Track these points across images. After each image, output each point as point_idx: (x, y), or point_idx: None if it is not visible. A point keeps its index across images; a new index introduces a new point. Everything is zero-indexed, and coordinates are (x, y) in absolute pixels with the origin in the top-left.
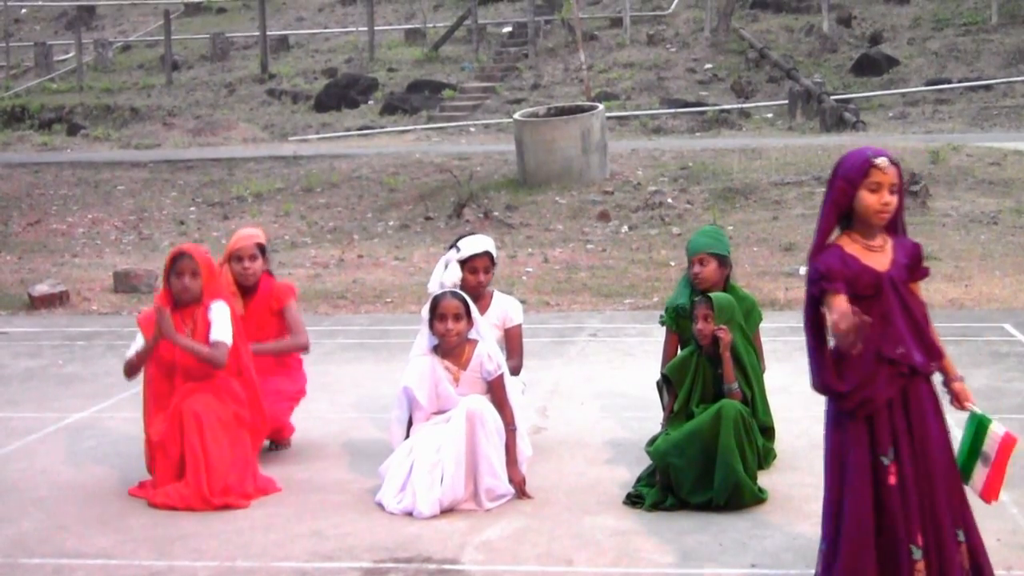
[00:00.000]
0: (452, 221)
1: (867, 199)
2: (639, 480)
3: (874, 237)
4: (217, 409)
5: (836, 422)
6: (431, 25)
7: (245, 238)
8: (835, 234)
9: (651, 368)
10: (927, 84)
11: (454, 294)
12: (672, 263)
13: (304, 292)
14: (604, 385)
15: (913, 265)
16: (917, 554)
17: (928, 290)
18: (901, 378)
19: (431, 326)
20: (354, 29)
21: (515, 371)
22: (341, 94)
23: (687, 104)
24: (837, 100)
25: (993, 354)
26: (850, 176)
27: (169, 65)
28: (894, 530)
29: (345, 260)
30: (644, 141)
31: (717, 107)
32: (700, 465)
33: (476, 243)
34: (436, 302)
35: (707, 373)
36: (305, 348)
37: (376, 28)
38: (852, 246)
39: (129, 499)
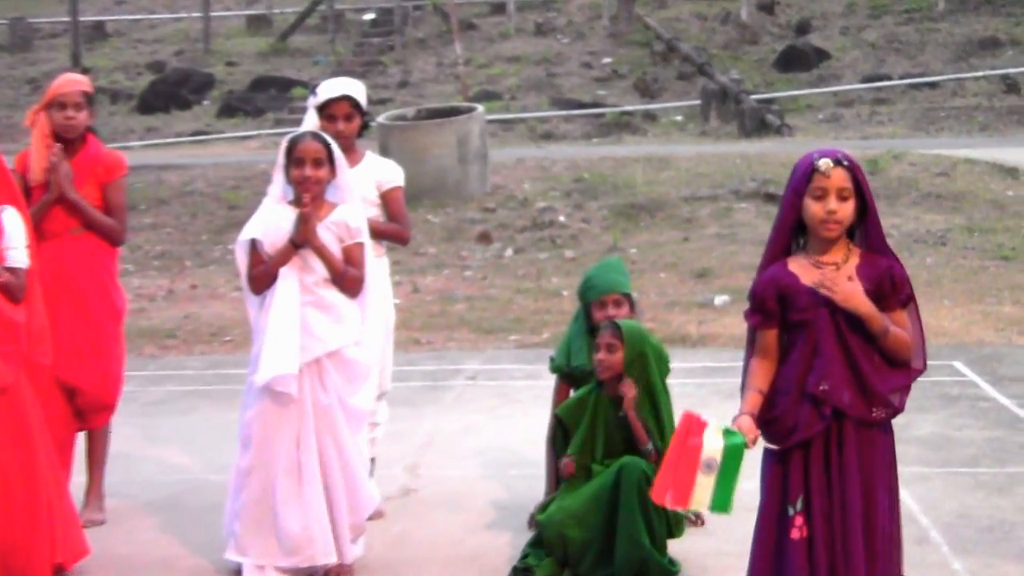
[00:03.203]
0: None
1: (811, 208)
2: (527, 548)
3: (826, 253)
4: (10, 454)
5: (763, 460)
6: (278, 11)
7: (69, 83)
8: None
9: (541, 417)
10: (863, 81)
11: (315, 135)
12: (565, 292)
13: (125, 330)
14: (485, 438)
15: (879, 290)
16: None
17: None
18: (822, 420)
19: (286, 172)
20: (186, 15)
21: (402, 238)
22: (170, 93)
23: (582, 105)
24: (758, 100)
25: (942, 397)
26: (795, 184)
27: None
28: None
29: (175, 291)
30: (532, 149)
31: (618, 109)
32: (603, 537)
33: (335, 86)
34: (293, 144)
35: (610, 417)
36: (121, 239)
37: (212, 14)
38: (798, 263)
39: None
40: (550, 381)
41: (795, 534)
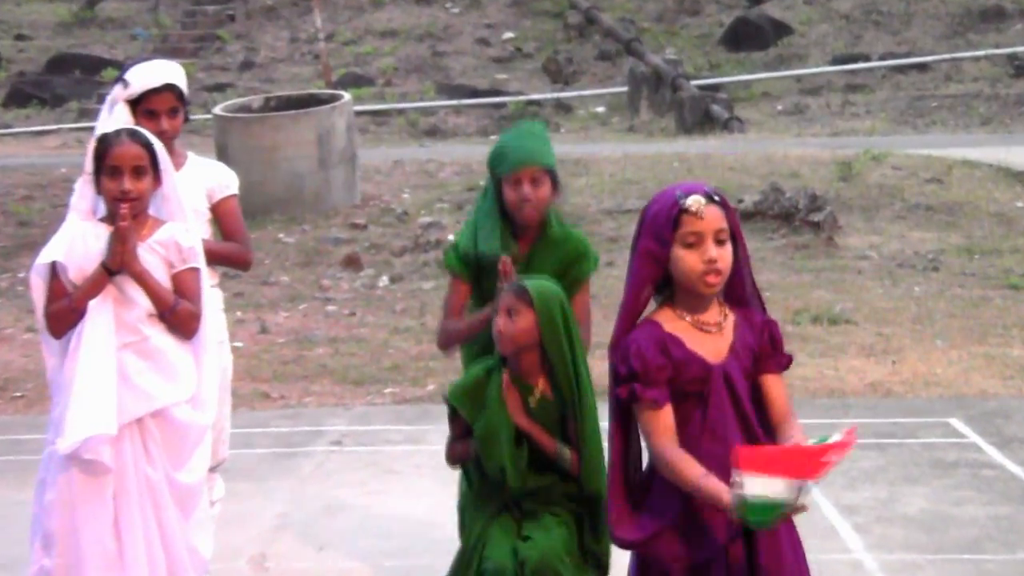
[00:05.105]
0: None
1: (685, 259)
2: None
3: (705, 310)
4: None
5: None
6: None
7: None
8: (651, 309)
9: (425, 491)
10: (834, 63)
11: (133, 134)
12: None
13: None
14: (354, 519)
15: (759, 352)
16: None
17: (838, 370)
18: (732, 526)
19: (96, 183)
20: None
21: (243, 261)
22: None
23: (477, 93)
24: (701, 87)
25: (935, 464)
26: (657, 230)
27: None
28: None
29: None
30: (413, 148)
31: (523, 97)
32: None
33: (153, 72)
34: (104, 146)
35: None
36: None
37: None
38: (675, 324)
39: None
40: (436, 445)
41: None
